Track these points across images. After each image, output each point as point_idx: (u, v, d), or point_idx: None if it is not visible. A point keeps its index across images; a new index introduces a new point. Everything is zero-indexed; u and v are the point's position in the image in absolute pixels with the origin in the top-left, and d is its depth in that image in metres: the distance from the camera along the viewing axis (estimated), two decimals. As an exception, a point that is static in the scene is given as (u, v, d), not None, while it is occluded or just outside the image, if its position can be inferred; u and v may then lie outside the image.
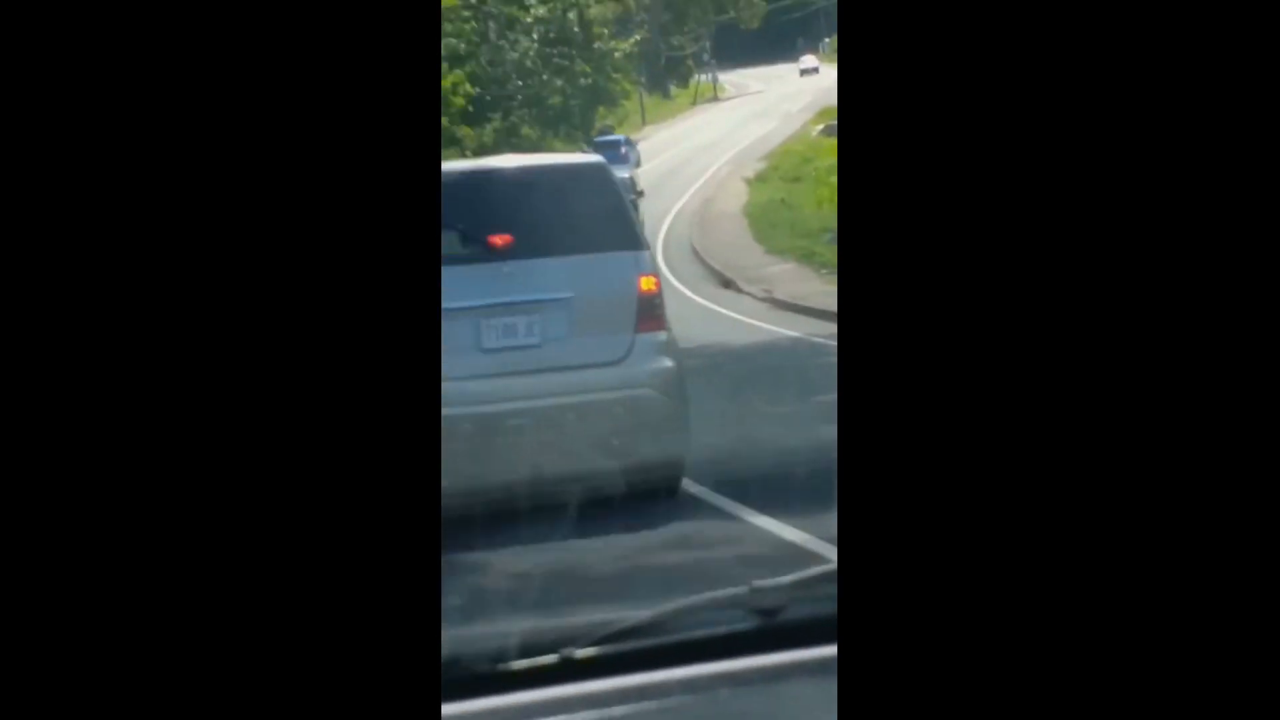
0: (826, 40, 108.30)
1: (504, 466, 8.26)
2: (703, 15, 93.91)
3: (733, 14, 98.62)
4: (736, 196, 41.14)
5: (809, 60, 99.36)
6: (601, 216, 8.83)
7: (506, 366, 8.46)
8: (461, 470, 7.58)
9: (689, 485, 8.63)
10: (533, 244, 8.63)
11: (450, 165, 10.02)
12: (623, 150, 61.02)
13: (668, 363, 8.68)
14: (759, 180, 43.64)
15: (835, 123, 57.54)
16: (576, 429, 8.57)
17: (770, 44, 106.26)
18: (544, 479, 8.21)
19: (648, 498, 8.37)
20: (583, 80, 60.10)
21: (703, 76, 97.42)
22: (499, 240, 8.50)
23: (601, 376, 8.51)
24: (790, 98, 76.05)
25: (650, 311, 8.63)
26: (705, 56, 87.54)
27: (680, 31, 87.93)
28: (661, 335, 8.70)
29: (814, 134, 57.36)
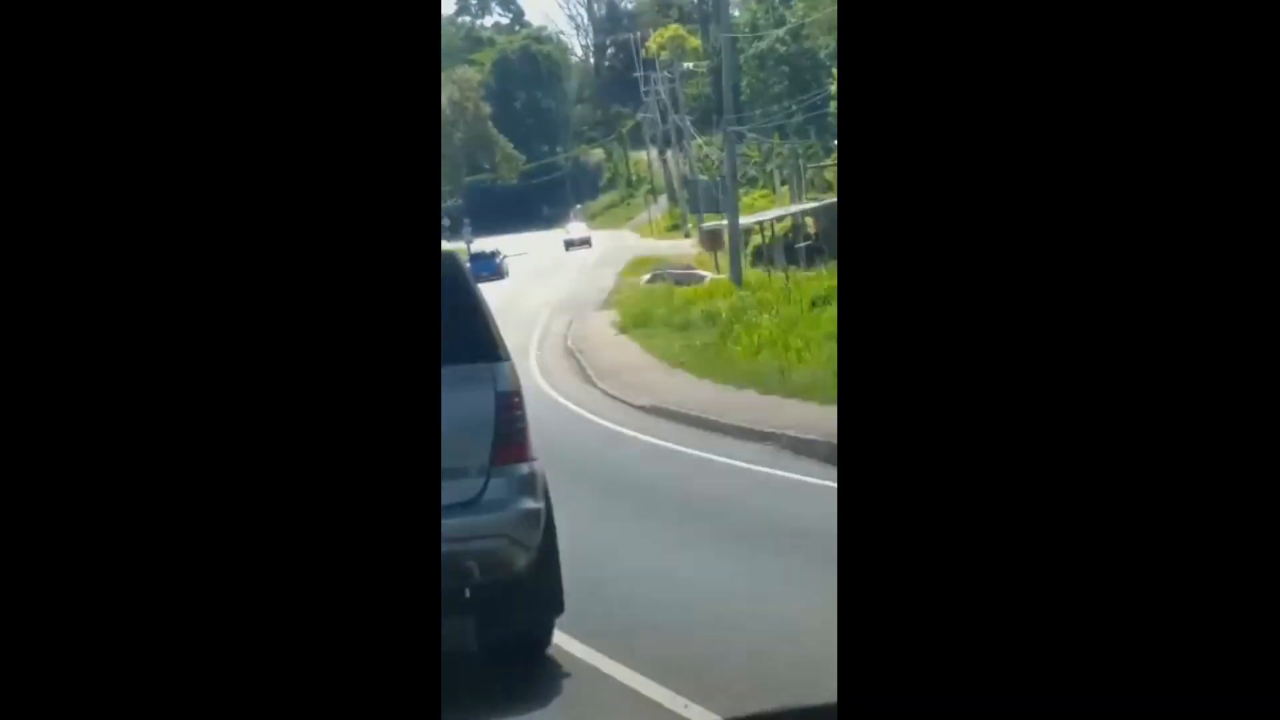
0: (578, 206, 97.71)
1: None
2: (453, 172, 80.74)
3: (487, 169, 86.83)
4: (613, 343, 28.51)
5: (577, 229, 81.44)
6: (448, 320, 5.49)
7: None
8: None
9: (564, 642, 7.24)
10: None
11: None
12: (498, 261, 61.55)
13: (531, 504, 6.74)
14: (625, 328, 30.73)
15: (661, 270, 47.65)
16: None
17: (517, 210, 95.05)
18: None
19: (510, 665, 6.91)
20: None
21: (460, 243, 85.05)
22: None
23: (448, 526, 5.57)
24: (565, 260, 66.68)
25: (511, 438, 6.66)
26: (464, 220, 74.41)
27: None
28: (525, 468, 6.76)
29: (643, 282, 45.11)
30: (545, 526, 6.88)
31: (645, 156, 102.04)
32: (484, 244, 69.49)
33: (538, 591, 6.90)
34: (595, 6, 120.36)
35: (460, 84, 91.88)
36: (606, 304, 39.02)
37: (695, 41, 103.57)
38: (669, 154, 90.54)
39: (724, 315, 27.97)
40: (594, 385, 23.01)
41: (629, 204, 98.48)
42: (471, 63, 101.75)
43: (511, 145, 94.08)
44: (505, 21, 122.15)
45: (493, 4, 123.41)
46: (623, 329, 30.87)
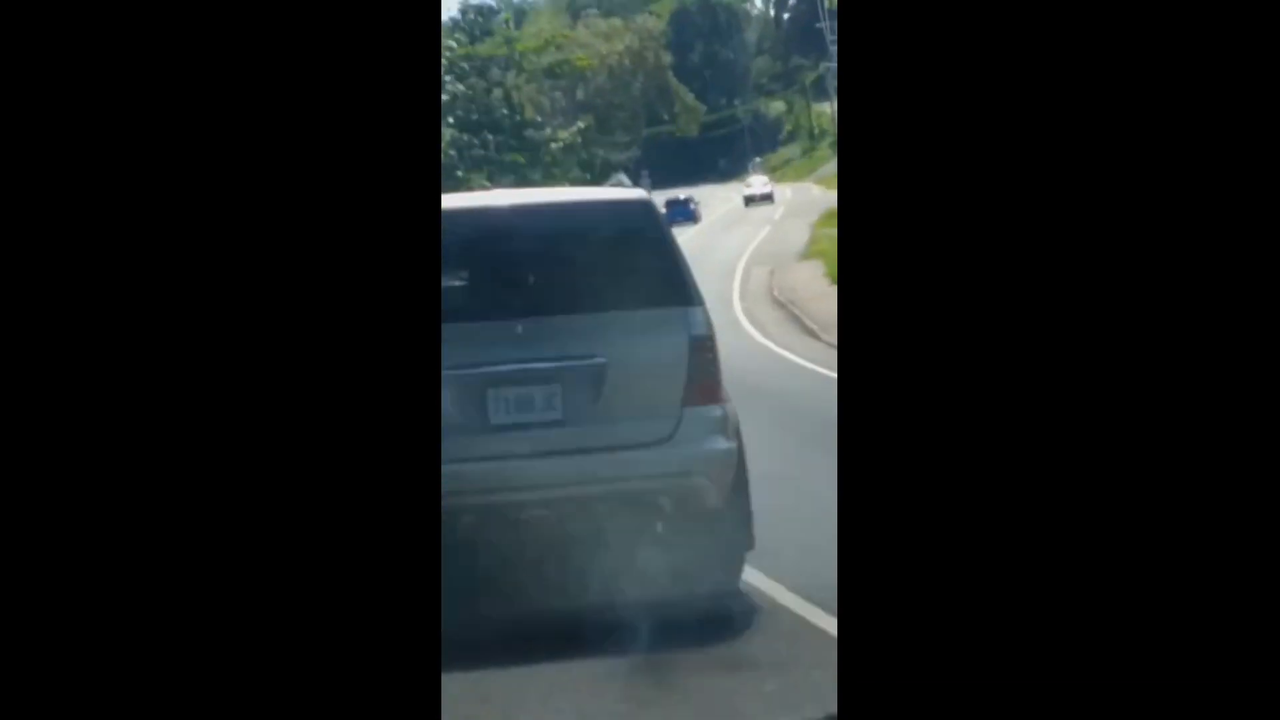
0: (757, 160, 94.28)
1: (517, 572, 6.75)
2: (632, 122, 77.45)
3: (666, 120, 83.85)
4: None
5: (759, 182, 72.85)
6: (644, 264, 6.84)
7: (520, 447, 6.54)
8: (464, 576, 6.29)
9: (765, 587, 6.73)
10: (555, 296, 6.80)
11: (454, 199, 7.66)
12: (693, 207, 60.37)
13: (724, 443, 6.69)
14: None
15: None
16: (610, 525, 6.61)
17: (695, 162, 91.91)
18: (568, 589, 6.44)
19: (700, 610, 6.47)
20: (511, 175, 45.87)
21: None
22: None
23: (641, 460, 6.56)
24: (747, 214, 61.87)
25: (703, 381, 6.62)
26: (642, 172, 71.35)
27: (607, 140, 70.92)
28: (717, 410, 6.69)
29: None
30: (737, 466, 6.85)
31: (829, 109, 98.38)
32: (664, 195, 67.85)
33: (728, 528, 6.82)
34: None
35: (640, 33, 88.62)
36: (807, 255, 35.72)
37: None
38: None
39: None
40: (818, 339, 19.85)
41: (812, 156, 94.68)
42: (650, 13, 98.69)
43: (692, 96, 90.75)
44: (649, 22, 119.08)
45: None
46: (835, 280, 27.77)
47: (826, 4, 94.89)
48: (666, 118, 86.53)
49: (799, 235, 43.33)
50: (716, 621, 6.30)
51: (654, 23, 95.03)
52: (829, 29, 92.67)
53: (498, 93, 49.71)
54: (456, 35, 50.61)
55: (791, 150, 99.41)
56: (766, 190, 69.30)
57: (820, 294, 26.18)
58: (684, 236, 52.15)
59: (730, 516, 6.78)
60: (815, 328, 21.02)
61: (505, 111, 50.97)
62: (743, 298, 27.96)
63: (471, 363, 6.46)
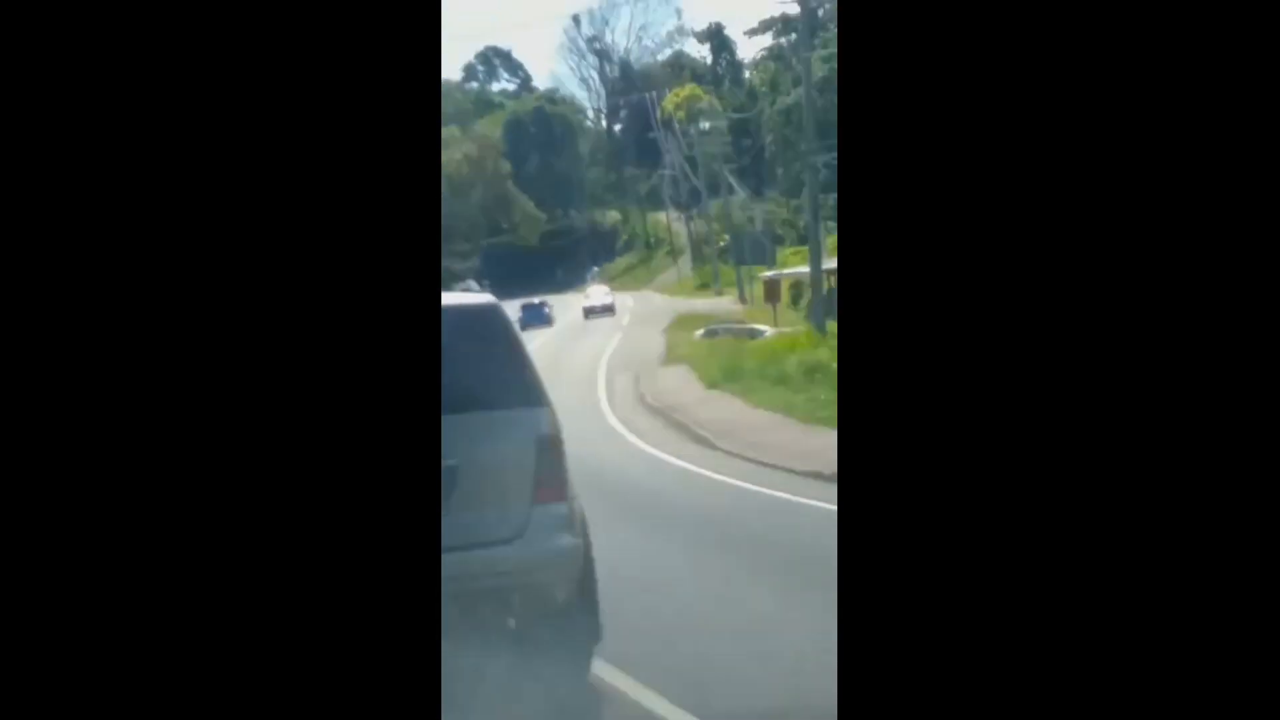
0: (595, 269, 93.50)
1: None
2: (471, 232, 75.97)
3: (506, 229, 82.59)
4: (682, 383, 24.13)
5: (598, 293, 68.61)
6: (493, 368, 7.02)
7: None
8: None
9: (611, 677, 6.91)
10: None
11: None
12: (547, 310, 61.06)
13: (571, 540, 6.81)
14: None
15: (716, 325, 43.50)
16: (462, 621, 6.51)
17: (533, 273, 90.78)
18: None
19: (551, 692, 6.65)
20: None
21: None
22: None
23: (492, 557, 6.63)
24: (587, 323, 59.87)
25: (551, 480, 6.78)
26: (482, 283, 69.80)
27: (448, 249, 69.31)
28: (564, 508, 6.83)
29: (697, 337, 40.75)
30: (584, 561, 7.07)
31: (663, 217, 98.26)
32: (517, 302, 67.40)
33: (578, 622, 7.05)
34: (607, 68, 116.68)
35: (478, 141, 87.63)
36: (668, 360, 34.52)
37: (711, 101, 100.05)
38: (693, 213, 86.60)
39: (826, 364, 23.68)
40: (714, 447, 18.48)
41: (649, 265, 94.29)
42: (487, 121, 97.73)
43: (532, 204, 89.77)
44: (513, 87, 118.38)
45: (499, 69, 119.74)
46: (711, 384, 26.49)
47: (658, 115, 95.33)
48: (506, 226, 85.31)
49: (653, 341, 42.24)
50: (565, 714, 6.54)
51: (492, 130, 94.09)
52: (661, 139, 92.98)
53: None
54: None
55: (629, 258, 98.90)
56: (608, 301, 65.34)
57: (699, 399, 24.92)
58: (534, 344, 50.99)
59: (579, 611, 7.00)
60: (707, 435, 19.69)
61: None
62: (614, 406, 26.50)
63: None
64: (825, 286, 36.14)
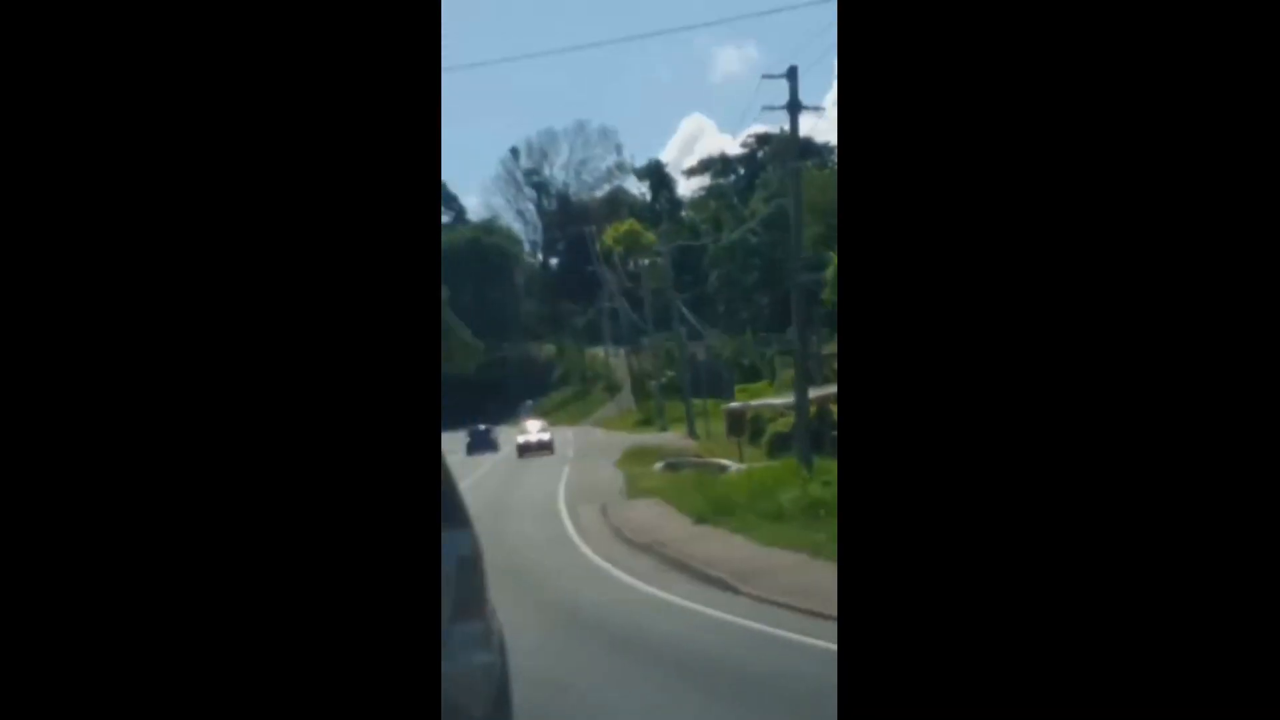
0: (529, 403, 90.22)
1: None
2: None
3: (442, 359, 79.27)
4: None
5: (535, 427, 62.39)
6: None
7: None
8: None
9: None
10: None
11: None
12: (493, 436, 62.61)
13: (486, 657, 6.86)
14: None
15: (676, 459, 40.37)
16: None
17: (464, 405, 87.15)
18: None
19: None
20: None
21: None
22: None
23: None
24: (523, 462, 55.35)
25: (468, 598, 6.75)
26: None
27: None
28: (480, 625, 6.85)
29: (657, 470, 37.58)
30: (500, 678, 7.18)
31: (600, 352, 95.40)
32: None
33: None
34: (545, 202, 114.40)
35: None
36: (635, 493, 31.24)
37: (651, 237, 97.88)
38: (634, 348, 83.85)
39: (827, 501, 20.64)
40: (738, 591, 15.18)
41: (585, 400, 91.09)
42: None
43: (469, 332, 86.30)
44: (447, 219, 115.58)
45: None
46: (701, 519, 23.25)
47: (598, 249, 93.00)
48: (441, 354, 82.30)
49: (606, 474, 38.95)
50: None
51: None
52: (601, 273, 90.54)
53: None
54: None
55: (564, 393, 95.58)
56: (544, 437, 58.59)
57: (690, 535, 21.62)
58: (477, 473, 47.61)
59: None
60: (723, 576, 16.34)
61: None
62: (588, 540, 23.14)
63: None
64: (812, 415, 33.00)
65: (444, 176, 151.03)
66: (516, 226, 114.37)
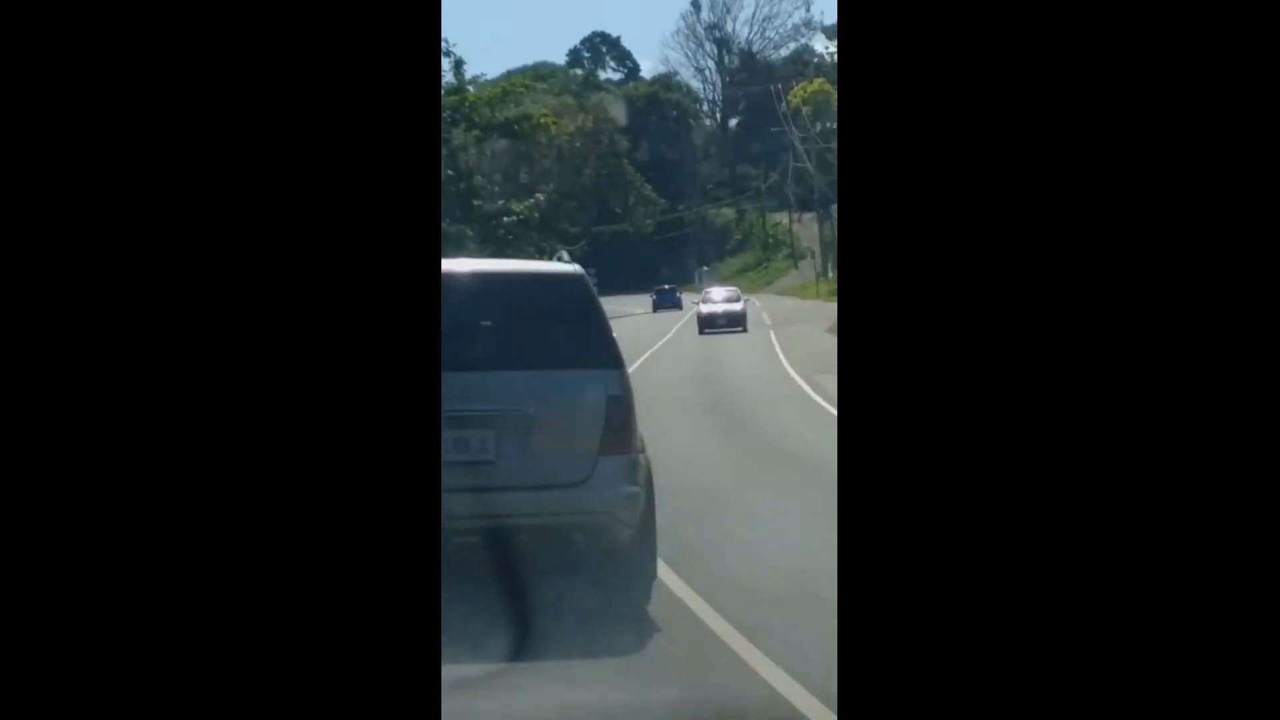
0: (704, 268, 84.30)
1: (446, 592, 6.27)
2: (580, 213, 65.62)
3: (619, 213, 73.21)
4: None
5: (721, 296, 47.99)
6: (573, 331, 7.94)
7: (456, 482, 7.00)
8: None
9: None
10: (496, 354, 7.85)
11: None
12: (678, 295, 62.79)
13: (632, 488, 7.67)
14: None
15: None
16: (531, 554, 7.71)
17: (636, 267, 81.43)
18: (494, 608, 7.01)
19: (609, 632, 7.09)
20: (455, 249, 36.33)
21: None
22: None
23: (559, 498, 7.61)
24: (703, 340, 44.49)
25: (617, 433, 7.63)
26: (590, 270, 59.56)
27: (556, 228, 59.06)
28: (628, 459, 7.70)
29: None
30: (645, 507, 7.70)
31: (783, 218, 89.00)
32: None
33: (635, 561, 7.73)
34: (726, 58, 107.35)
35: (594, 113, 78.14)
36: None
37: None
38: (822, 213, 77.28)
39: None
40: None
41: (767, 267, 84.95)
42: (607, 92, 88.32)
43: (650, 188, 79.97)
44: (619, 77, 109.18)
45: (606, 57, 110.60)
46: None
47: (784, 107, 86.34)
48: (619, 210, 75.75)
49: (821, 341, 32.86)
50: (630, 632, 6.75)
51: (610, 102, 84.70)
52: (789, 133, 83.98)
53: (443, 151, 39.31)
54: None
55: (744, 258, 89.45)
56: (735, 308, 45.12)
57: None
58: (673, 332, 42.31)
59: (638, 550, 7.73)
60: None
61: (451, 173, 40.41)
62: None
63: None
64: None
65: (617, 32, 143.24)
66: (695, 85, 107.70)
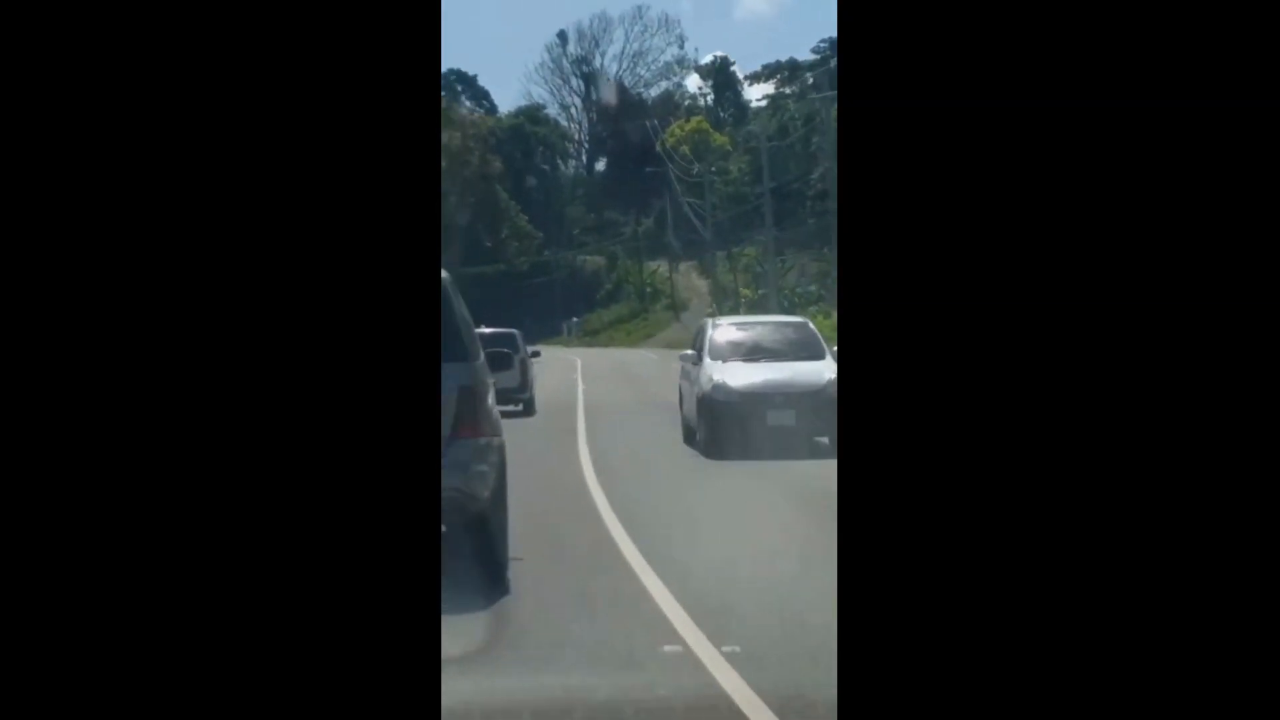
0: (575, 320, 74.56)
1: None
2: (447, 245, 55.51)
3: (489, 246, 63.01)
4: None
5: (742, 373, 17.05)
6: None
7: None
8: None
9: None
10: None
11: None
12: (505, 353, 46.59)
13: (480, 467, 8.92)
14: None
15: None
16: None
17: (502, 313, 70.89)
18: None
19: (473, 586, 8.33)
20: None
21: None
22: None
23: None
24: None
25: (466, 419, 8.79)
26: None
27: None
28: (477, 441, 8.93)
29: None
30: (495, 485, 8.98)
31: (661, 266, 79.61)
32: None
33: (488, 532, 8.92)
34: (594, 95, 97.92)
35: (464, 128, 67.53)
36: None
37: (721, 138, 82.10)
38: (707, 258, 67.97)
39: None
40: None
41: (645, 319, 75.18)
42: (478, 108, 77.72)
43: (526, 219, 69.58)
44: (475, 117, 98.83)
45: (461, 96, 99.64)
46: None
47: (660, 146, 77.36)
48: (489, 244, 65.38)
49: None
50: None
51: (481, 119, 74.27)
52: (668, 174, 74.71)
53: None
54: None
55: (617, 310, 79.46)
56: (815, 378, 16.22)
57: None
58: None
59: (490, 524, 8.89)
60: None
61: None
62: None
63: None
64: None
65: (473, 65, 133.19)
66: (561, 122, 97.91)
